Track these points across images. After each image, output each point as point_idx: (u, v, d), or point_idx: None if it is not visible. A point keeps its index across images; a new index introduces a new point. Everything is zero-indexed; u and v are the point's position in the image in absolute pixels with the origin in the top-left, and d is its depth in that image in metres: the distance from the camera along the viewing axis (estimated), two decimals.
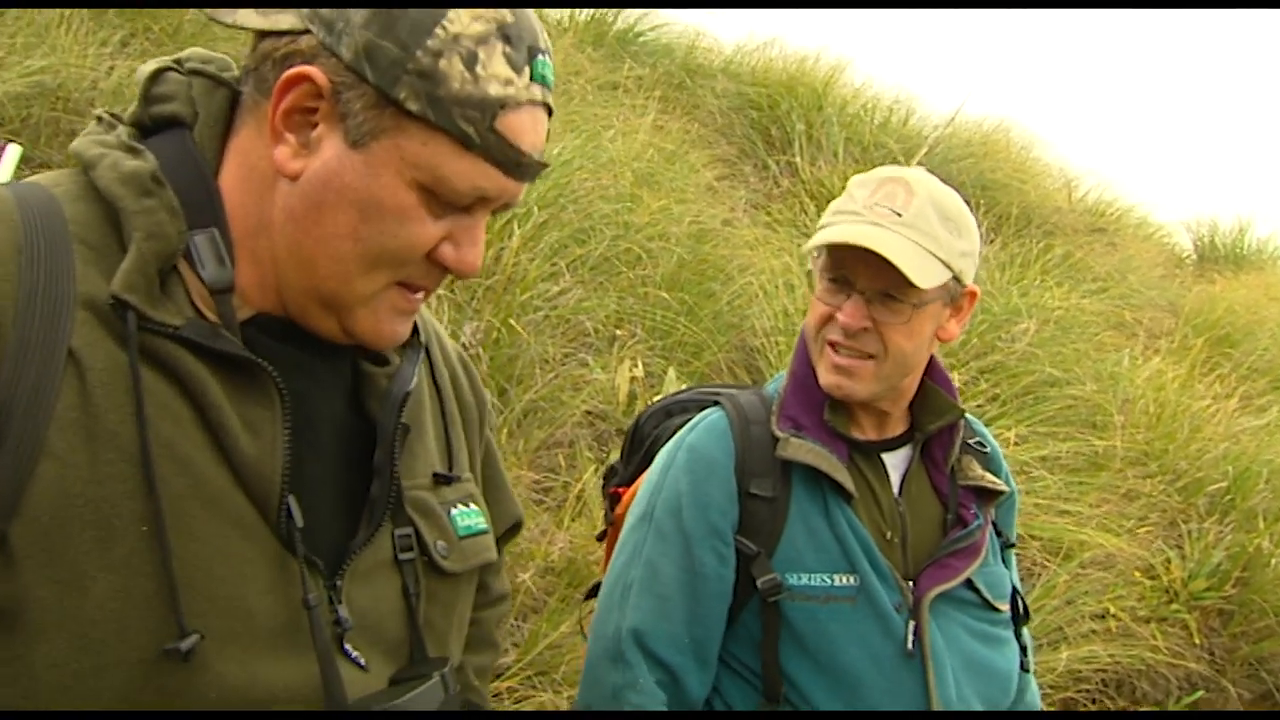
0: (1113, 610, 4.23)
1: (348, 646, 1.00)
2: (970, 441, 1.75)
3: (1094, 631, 4.15)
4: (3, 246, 0.88)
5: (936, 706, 1.56)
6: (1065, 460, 4.68)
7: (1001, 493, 1.72)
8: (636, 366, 4.22)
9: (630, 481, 1.94)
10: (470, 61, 0.92)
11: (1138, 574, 4.44)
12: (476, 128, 0.94)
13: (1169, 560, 4.61)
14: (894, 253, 1.52)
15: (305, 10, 0.94)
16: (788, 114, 7.85)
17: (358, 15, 0.92)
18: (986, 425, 4.65)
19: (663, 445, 1.92)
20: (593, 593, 2.04)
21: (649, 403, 4.16)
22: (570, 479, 3.73)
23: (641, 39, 8.07)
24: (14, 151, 1.84)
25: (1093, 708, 4.02)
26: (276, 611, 0.95)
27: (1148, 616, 4.38)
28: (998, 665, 1.67)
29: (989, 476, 1.71)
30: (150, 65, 1.02)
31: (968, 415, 1.76)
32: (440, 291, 3.88)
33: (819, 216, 5.87)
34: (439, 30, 0.92)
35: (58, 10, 4.65)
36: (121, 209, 0.93)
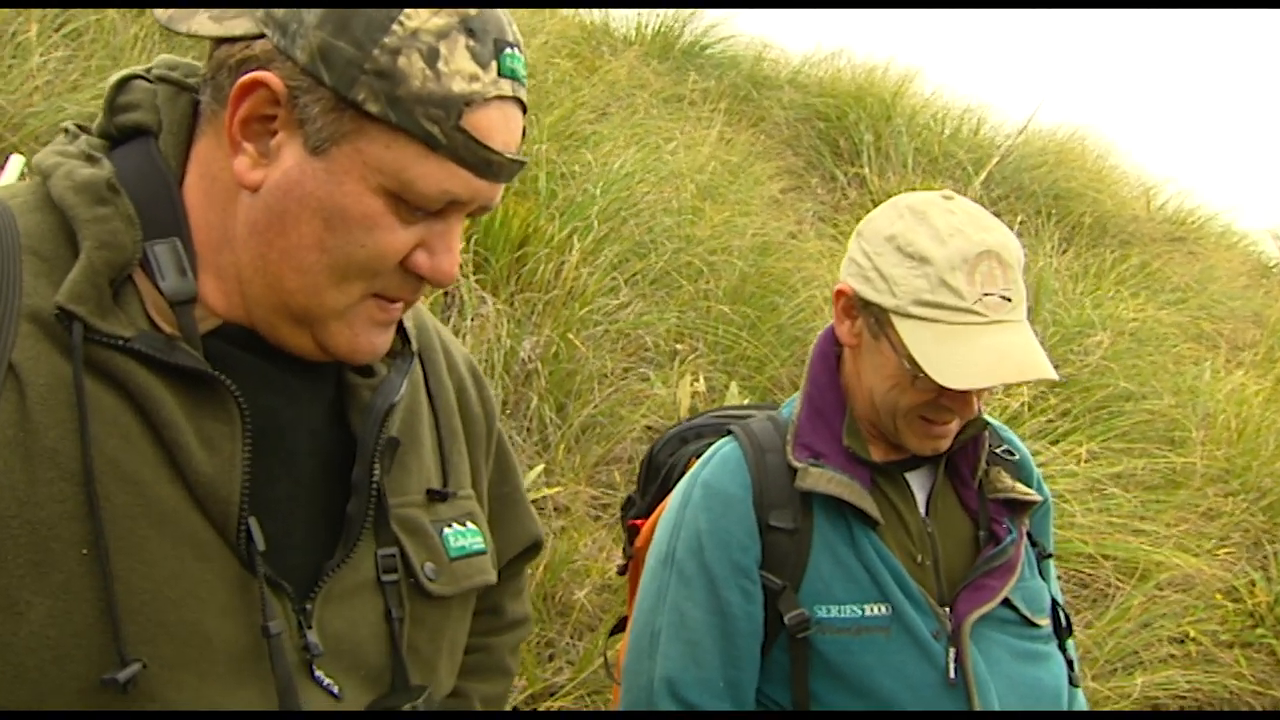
0: (1192, 634, 4.07)
1: (319, 674, 0.96)
2: (998, 450, 1.68)
3: (1173, 656, 3.99)
4: None
5: None
6: (1141, 477, 4.52)
7: (1034, 502, 1.64)
8: (698, 381, 4.18)
9: (648, 513, 1.88)
10: (431, 58, 0.87)
11: (1219, 596, 4.27)
12: (441, 127, 0.89)
13: (1253, 582, 4.42)
14: (1045, 365, 1.46)
15: (259, 13, 0.90)
16: (855, 124, 7.76)
17: (311, 15, 0.87)
18: (1056, 442, 4.55)
19: (679, 473, 1.86)
20: (618, 628, 1.99)
21: None
22: (630, 493, 3.70)
23: (708, 51, 8.04)
24: (17, 162, 1.86)
25: None
26: (237, 636, 0.91)
27: (1230, 641, 4.20)
28: (1044, 683, 1.59)
29: (1020, 487, 1.64)
30: (117, 74, 1.00)
31: (993, 422, 1.69)
32: (499, 306, 3.89)
33: None
34: (395, 27, 0.87)
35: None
36: (74, 217, 0.90)
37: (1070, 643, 1.67)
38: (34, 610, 0.83)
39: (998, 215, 5.53)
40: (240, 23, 0.90)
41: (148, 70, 1.00)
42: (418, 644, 1.05)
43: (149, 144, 0.96)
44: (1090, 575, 4.12)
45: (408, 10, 0.87)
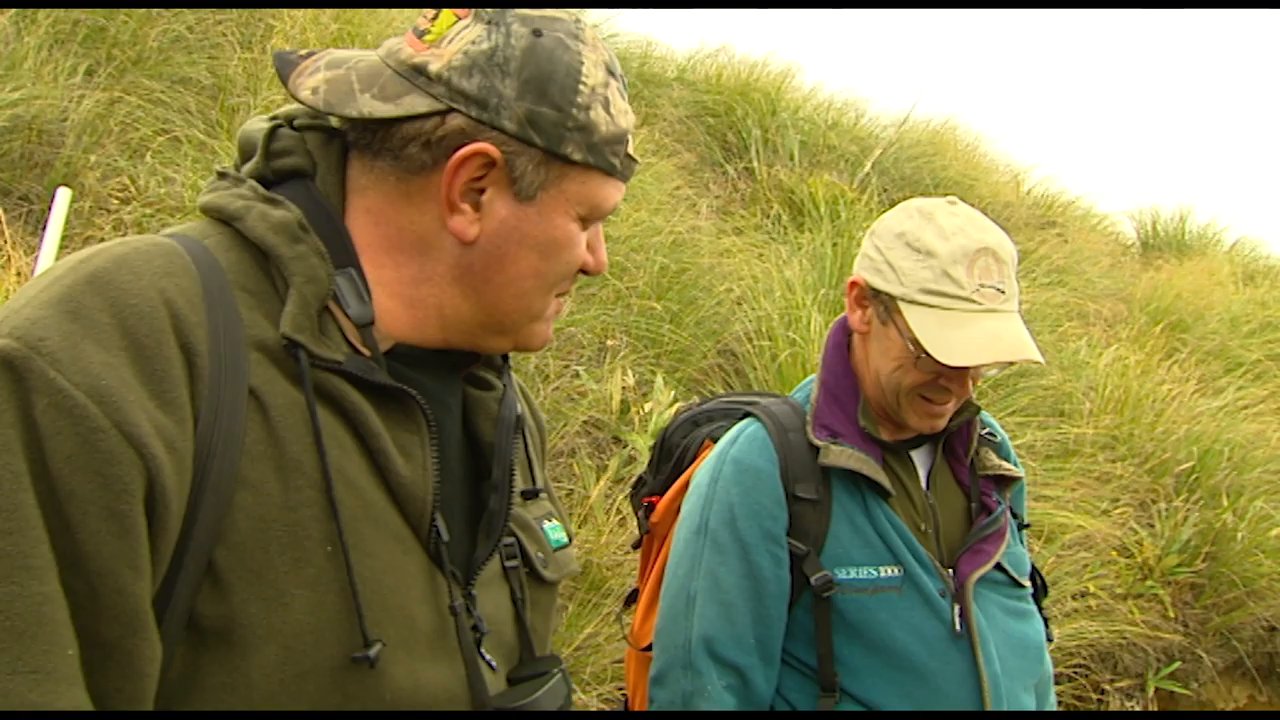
0: (1093, 589, 4.42)
1: (482, 649, 1.09)
2: (983, 433, 1.88)
3: (1076, 610, 4.33)
4: (191, 295, 0.95)
5: (985, 681, 1.69)
6: (1039, 448, 4.86)
7: (1017, 477, 1.86)
8: (627, 375, 4.33)
9: (662, 490, 2.04)
10: (606, 105, 1.05)
11: (1114, 553, 4.64)
12: (619, 158, 1.08)
13: (1142, 539, 4.81)
14: (1032, 348, 1.64)
15: (438, 90, 1.01)
16: (743, 120, 7.98)
17: (508, 88, 1.01)
18: None
19: (691, 454, 2.03)
20: (630, 599, 2.14)
21: (640, 410, 4.29)
22: (573, 487, 3.83)
23: None
24: (65, 195, 1.89)
25: (1082, 682, 4.20)
26: (430, 618, 1.04)
27: (1125, 594, 4.57)
28: (1030, 637, 1.81)
29: (1005, 464, 1.85)
30: (263, 124, 1.10)
31: (980, 410, 1.88)
32: None
33: (789, 221, 5.95)
34: (581, 87, 1.03)
35: (23, 43, 4.65)
36: (278, 256, 1.01)
37: (1043, 602, 1.89)
38: (296, 601, 0.93)
39: (891, 205, 5.80)
40: (415, 101, 1.02)
41: (276, 119, 1.10)
42: (535, 623, 1.19)
43: (308, 185, 1.07)
44: None
45: (582, 70, 1.04)
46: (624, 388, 4.31)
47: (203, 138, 4.66)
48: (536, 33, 1.02)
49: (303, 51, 1.09)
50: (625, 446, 4.11)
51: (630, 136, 1.10)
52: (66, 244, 3.87)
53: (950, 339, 1.63)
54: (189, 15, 5.22)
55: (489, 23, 1.03)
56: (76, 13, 4.86)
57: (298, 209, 1.04)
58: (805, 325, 4.81)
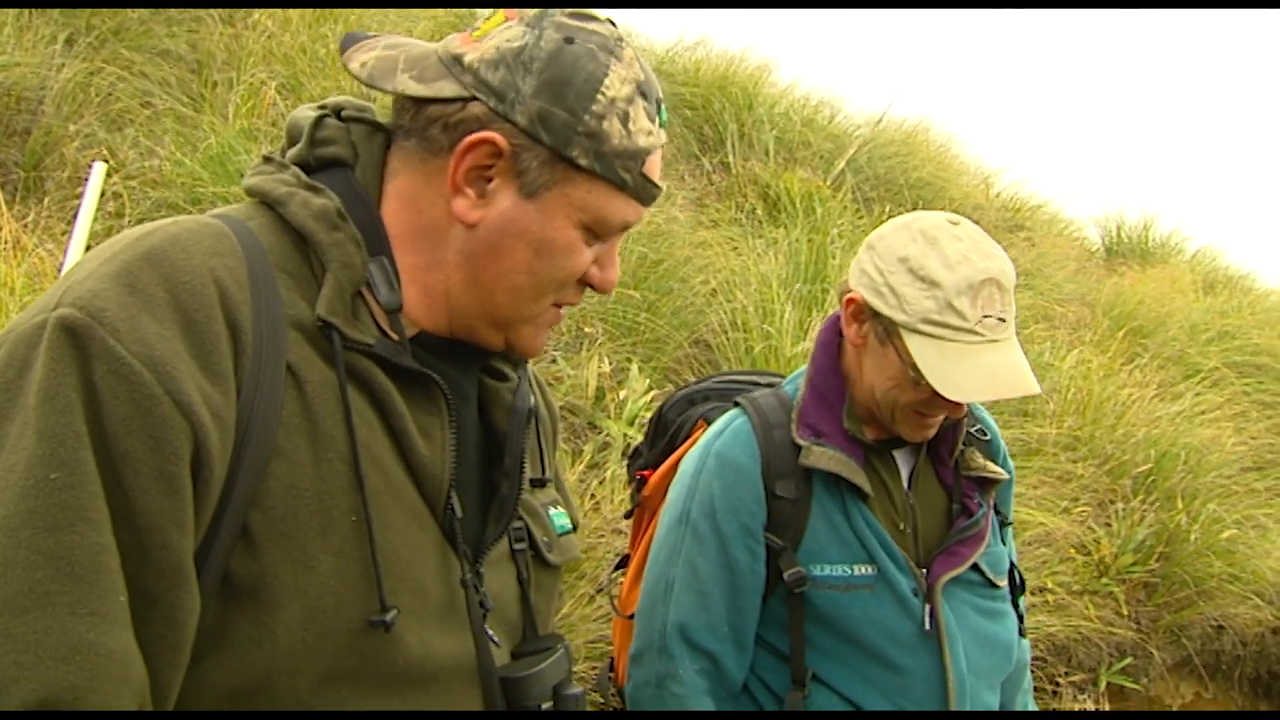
0: (1051, 584, 4.53)
1: (485, 625, 1.14)
2: (972, 431, 1.90)
3: (1034, 605, 4.44)
4: (238, 275, 1.00)
5: (951, 679, 1.75)
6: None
7: (1002, 480, 1.89)
8: (604, 363, 4.38)
9: (656, 464, 2.11)
10: (624, 120, 1.08)
11: (1073, 551, 4.75)
12: (631, 174, 1.10)
13: (1099, 538, 4.93)
14: (1031, 381, 1.66)
15: (467, 79, 1.07)
16: (720, 113, 8.03)
17: (527, 85, 1.06)
18: None
19: (685, 432, 2.10)
20: (621, 565, 2.22)
21: (616, 398, 4.34)
22: None
23: None
24: (101, 169, 1.93)
25: (1038, 674, 4.30)
26: (441, 591, 1.09)
27: (1081, 590, 4.69)
28: (1001, 637, 1.85)
29: (990, 466, 1.87)
30: (310, 112, 1.15)
31: (971, 407, 1.93)
32: None
33: (765, 215, 5.98)
34: (599, 96, 1.07)
35: (1, 10, 4.62)
36: (317, 242, 1.06)
37: (1021, 599, 1.94)
38: (321, 565, 0.99)
39: (865, 203, 5.84)
40: (446, 85, 1.07)
41: (324, 109, 1.15)
42: (538, 604, 1.24)
43: (348, 175, 1.12)
44: None
45: (605, 81, 1.07)
46: (600, 375, 4.36)
47: (184, 110, 4.65)
48: (569, 39, 1.07)
49: (373, 33, 1.15)
50: (600, 432, 4.16)
51: (649, 158, 1.11)
52: (48, 214, 3.86)
53: (952, 372, 1.65)
54: None
55: (529, 25, 1.08)
56: None
57: (337, 198, 1.08)
58: (779, 319, 4.88)
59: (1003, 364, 1.67)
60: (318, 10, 5.60)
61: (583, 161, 1.07)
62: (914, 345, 1.68)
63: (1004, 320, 1.68)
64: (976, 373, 1.65)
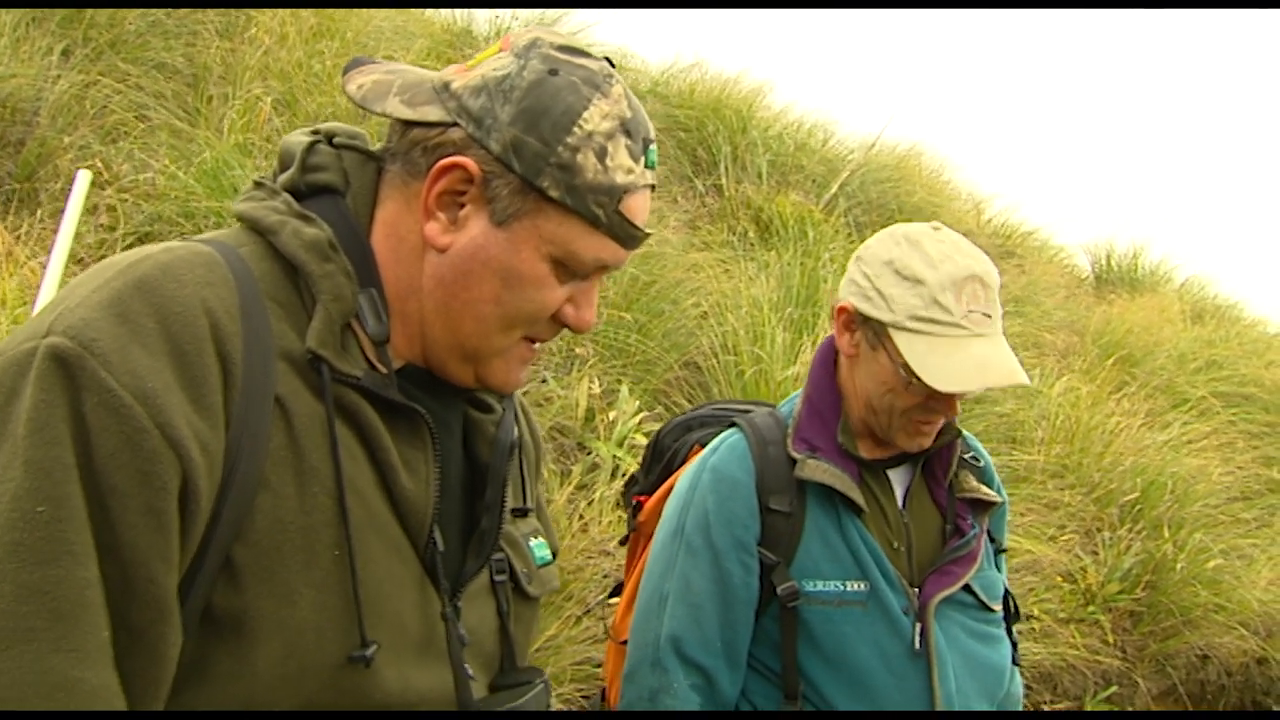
0: (1037, 612, 4.54)
1: (462, 659, 1.14)
2: (965, 456, 1.91)
3: (1021, 632, 4.43)
4: (229, 305, 1.00)
5: (939, 700, 1.74)
6: None
7: (995, 503, 1.90)
8: (594, 384, 4.38)
9: (652, 490, 2.10)
10: (601, 154, 1.06)
11: (1059, 579, 4.76)
12: (605, 210, 1.07)
13: (1086, 566, 4.94)
14: (1020, 372, 1.67)
15: (451, 105, 1.07)
16: (714, 136, 8.06)
17: (504, 113, 1.05)
18: None
19: (681, 457, 2.09)
20: (615, 592, 2.21)
21: (605, 419, 4.34)
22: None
23: None
24: (85, 177, 1.92)
25: (1024, 702, 4.30)
26: (419, 626, 1.09)
27: (1068, 618, 4.70)
28: (993, 661, 1.85)
29: (984, 489, 1.88)
30: (303, 137, 1.15)
31: (964, 433, 1.93)
32: None
33: (758, 238, 6.00)
34: (576, 128, 1.05)
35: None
36: (309, 273, 1.06)
37: (1014, 628, 1.94)
38: (303, 599, 0.98)
39: (857, 227, 5.86)
40: (431, 110, 1.08)
41: (316, 134, 1.15)
42: (517, 636, 1.24)
43: (338, 202, 1.11)
44: None
45: (584, 114, 1.06)
46: (590, 395, 4.37)
47: (179, 124, 4.66)
48: (553, 71, 1.06)
49: (377, 59, 1.15)
50: (590, 454, 4.16)
51: (629, 197, 1.08)
52: (41, 225, 3.86)
53: (941, 365, 1.67)
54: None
55: (517, 56, 1.08)
56: None
57: (329, 227, 1.08)
58: (770, 342, 4.89)
59: (991, 355, 1.68)
60: (315, 26, 5.61)
61: (553, 193, 1.06)
62: (902, 342, 1.70)
63: (989, 316, 1.71)
64: (965, 364, 1.67)
